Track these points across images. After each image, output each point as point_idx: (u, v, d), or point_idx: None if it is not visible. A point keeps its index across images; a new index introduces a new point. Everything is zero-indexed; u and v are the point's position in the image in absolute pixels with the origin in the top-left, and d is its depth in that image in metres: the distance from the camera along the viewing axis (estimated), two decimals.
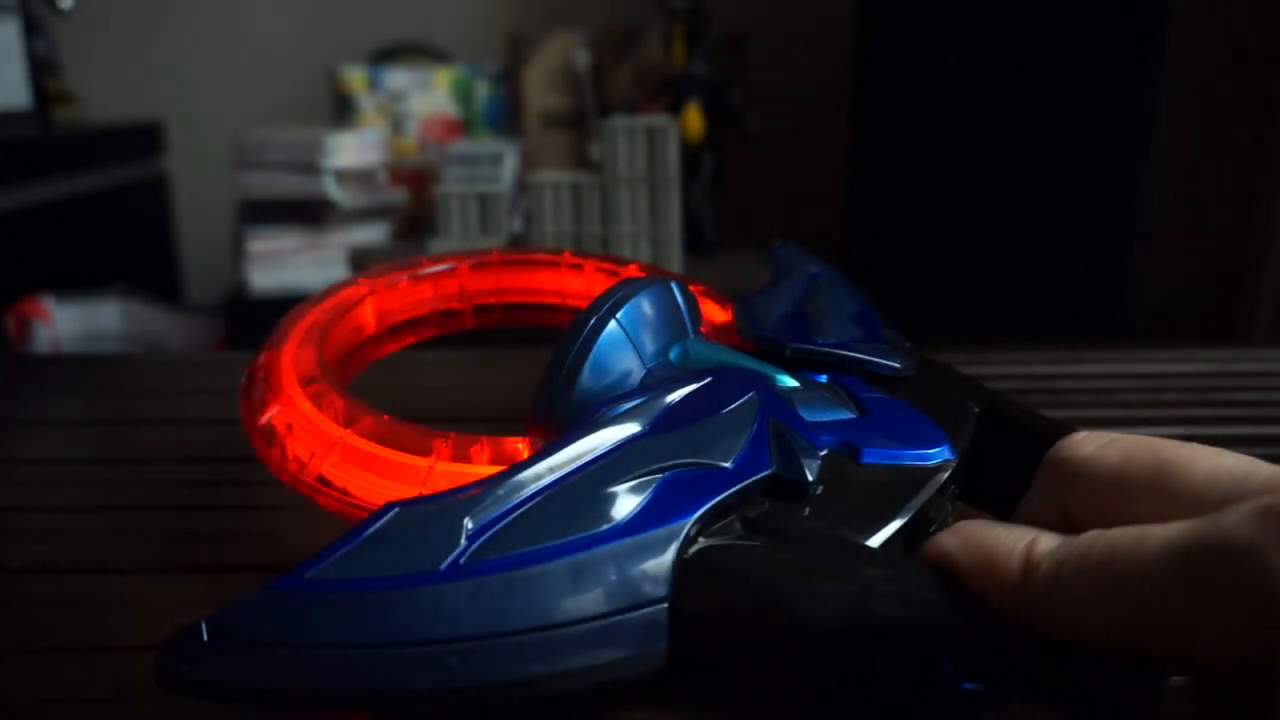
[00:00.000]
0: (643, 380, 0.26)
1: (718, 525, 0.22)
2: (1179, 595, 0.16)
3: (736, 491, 0.22)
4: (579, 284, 0.39)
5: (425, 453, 0.27)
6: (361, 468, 0.27)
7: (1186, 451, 0.20)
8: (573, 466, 0.22)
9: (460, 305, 0.40)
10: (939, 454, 0.25)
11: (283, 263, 1.33)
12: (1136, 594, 0.17)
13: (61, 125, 1.56)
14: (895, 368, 0.30)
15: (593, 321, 0.26)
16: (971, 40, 1.22)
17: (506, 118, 1.57)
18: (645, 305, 0.27)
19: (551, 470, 0.22)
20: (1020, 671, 0.19)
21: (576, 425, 0.23)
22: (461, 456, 0.27)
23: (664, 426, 0.23)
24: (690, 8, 1.27)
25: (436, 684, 0.19)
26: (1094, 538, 0.18)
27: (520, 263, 0.40)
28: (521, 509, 0.21)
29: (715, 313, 0.36)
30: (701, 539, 0.22)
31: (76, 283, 1.36)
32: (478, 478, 0.22)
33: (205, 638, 0.19)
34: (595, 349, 0.26)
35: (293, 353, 0.32)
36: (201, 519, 0.35)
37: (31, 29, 1.48)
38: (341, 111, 1.54)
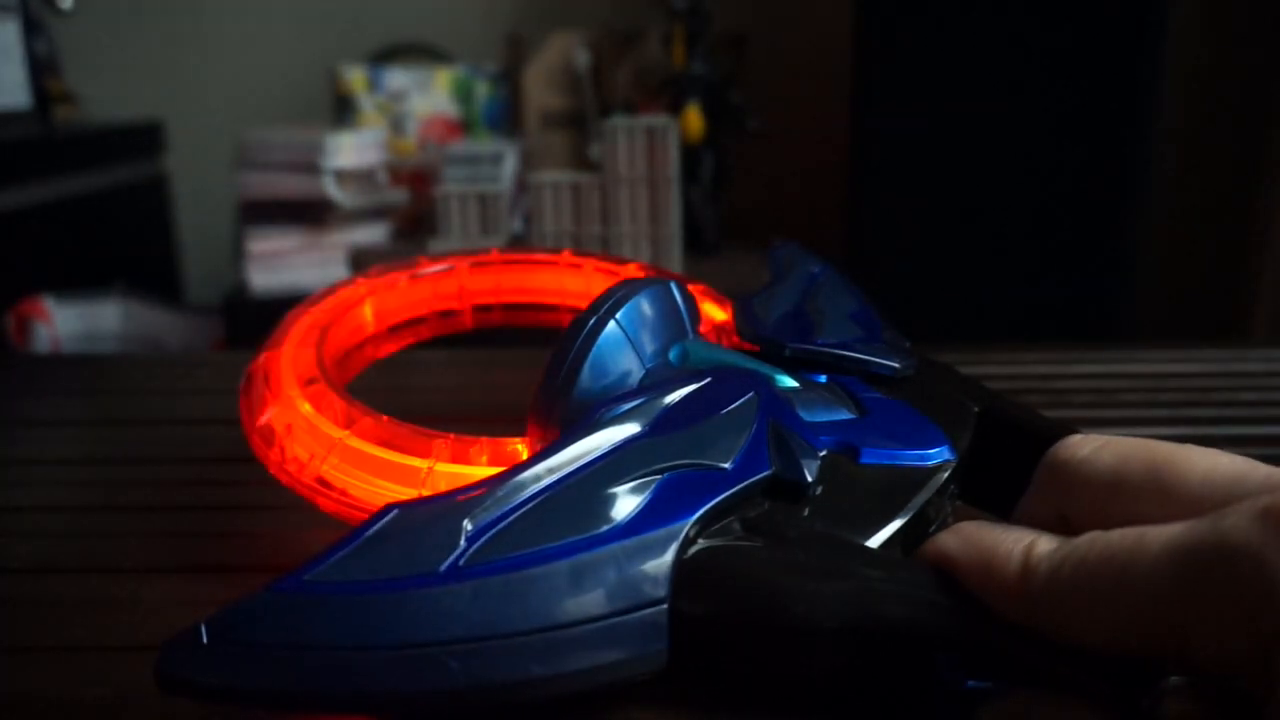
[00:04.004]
0: (642, 381, 0.26)
1: (717, 526, 0.22)
2: (1177, 596, 0.16)
3: (736, 492, 0.22)
4: (579, 284, 0.39)
5: (425, 454, 0.27)
6: (361, 469, 0.27)
7: (1183, 453, 0.20)
8: (572, 467, 0.22)
9: (460, 305, 0.40)
10: (939, 454, 0.25)
11: (283, 263, 1.33)
12: (1135, 595, 0.17)
13: (61, 125, 1.56)
14: (895, 368, 0.30)
15: (592, 322, 0.26)
16: (971, 40, 1.22)
17: (506, 118, 1.57)
18: (645, 305, 0.27)
19: (551, 471, 0.22)
20: (1020, 672, 0.19)
21: (576, 426, 0.23)
22: (461, 457, 0.27)
23: (663, 427, 0.23)
24: (690, 8, 1.27)
25: (436, 685, 0.19)
26: (1092, 539, 0.18)
27: (520, 263, 0.40)
28: (521, 510, 0.21)
29: (715, 313, 0.36)
30: (701, 540, 0.22)
31: (76, 283, 1.36)
32: (477, 479, 0.22)
33: (205, 640, 0.19)
34: (595, 349, 0.26)
35: (292, 353, 0.32)
36: (201, 519, 0.35)
37: (31, 29, 1.47)
38: (341, 111, 1.54)
